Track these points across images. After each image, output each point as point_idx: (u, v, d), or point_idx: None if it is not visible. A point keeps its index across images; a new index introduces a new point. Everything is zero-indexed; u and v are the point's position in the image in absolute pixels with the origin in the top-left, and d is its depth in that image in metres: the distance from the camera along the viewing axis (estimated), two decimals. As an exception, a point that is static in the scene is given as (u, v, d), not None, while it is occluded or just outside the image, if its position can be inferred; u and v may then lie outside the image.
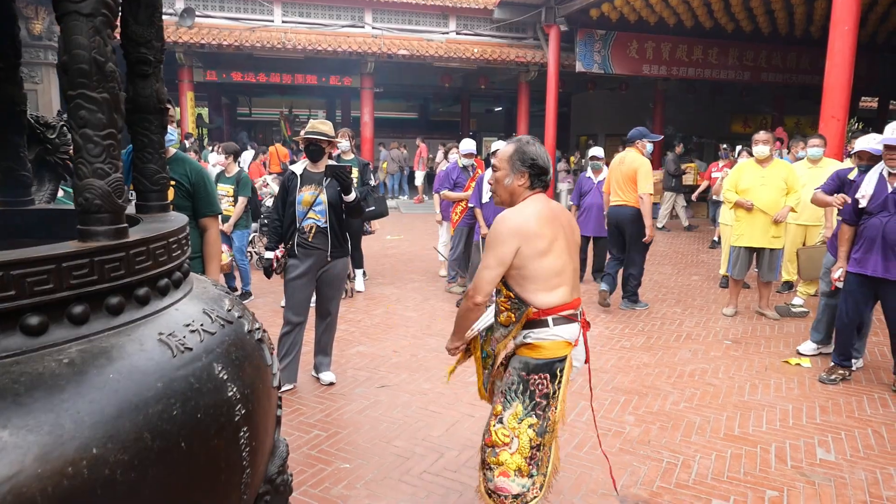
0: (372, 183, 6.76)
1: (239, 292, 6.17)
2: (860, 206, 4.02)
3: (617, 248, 6.16)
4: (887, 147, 3.85)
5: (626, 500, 2.74)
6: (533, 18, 15.26)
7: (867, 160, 4.49)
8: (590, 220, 6.90)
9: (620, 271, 6.16)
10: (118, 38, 1.65)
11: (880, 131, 4.14)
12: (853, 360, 4.31)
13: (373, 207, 6.91)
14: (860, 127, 7.21)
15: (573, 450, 3.17)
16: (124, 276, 1.29)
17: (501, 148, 2.34)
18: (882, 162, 3.98)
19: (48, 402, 1.04)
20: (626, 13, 13.80)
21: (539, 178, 2.24)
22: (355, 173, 6.35)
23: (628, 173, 5.86)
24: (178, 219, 1.67)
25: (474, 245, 5.98)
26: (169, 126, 2.85)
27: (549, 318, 2.15)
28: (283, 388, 3.80)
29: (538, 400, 2.12)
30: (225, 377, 1.39)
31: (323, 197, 3.86)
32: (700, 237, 10.90)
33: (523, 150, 2.24)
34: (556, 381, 2.14)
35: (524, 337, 2.20)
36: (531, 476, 2.09)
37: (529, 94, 16.72)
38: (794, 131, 18.36)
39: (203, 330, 1.42)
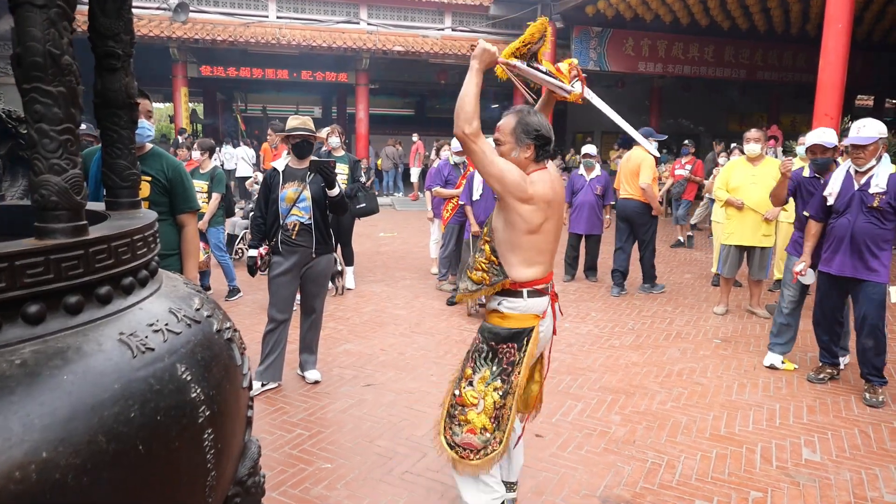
0: (363, 180, 6.73)
1: (211, 291, 6.11)
2: (829, 203, 3.96)
3: (623, 239, 6.55)
4: (854, 146, 3.80)
5: (608, 500, 2.72)
6: (528, 15, 15.20)
7: (820, 153, 4.45)
8: (581, 218, 6.88)
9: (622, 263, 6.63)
10: (85, 30, 1.62)
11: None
12: (840, 358, 4.30)
13: (363, 204, 6.90)
14: (849, 124, 7.18)
15: (557, 450, 3.16)
16: (83, 275, 1.26)
17: (502, 120, 2.31)
18: (849, 160, 3.94)
19: (-5, 404, 1.01)
20: (621, 10, 13.77)
21: (544, 148, 2.27)
22: (345, 170, 6.33)
23: (633, 169, 6.36)
24: (146, 216, 1.64)
25: (465, 243, 5.95)
26: (145, 120, 2.82)
27: (525, 291, 2.26)
28: (267, 387, 3.79)
29: (504, 366, 2.25)
30: (188, 378, 1.36)
31: (307, 193, 3.83)
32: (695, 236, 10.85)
33: (526, 120, 2.25)
34: (522, 350, 2.26)
35: (498, 304, 2.30)
36: (493, 432, 2.24)
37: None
38: (789, 130, 18.39)
39: (167, 329, 1.39)
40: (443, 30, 15.94)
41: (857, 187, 3.84)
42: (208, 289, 6.13)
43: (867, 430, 3.48)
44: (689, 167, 10.06)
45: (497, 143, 2.30)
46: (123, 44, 1.67)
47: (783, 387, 4.10)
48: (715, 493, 2.80)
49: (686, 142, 10.66)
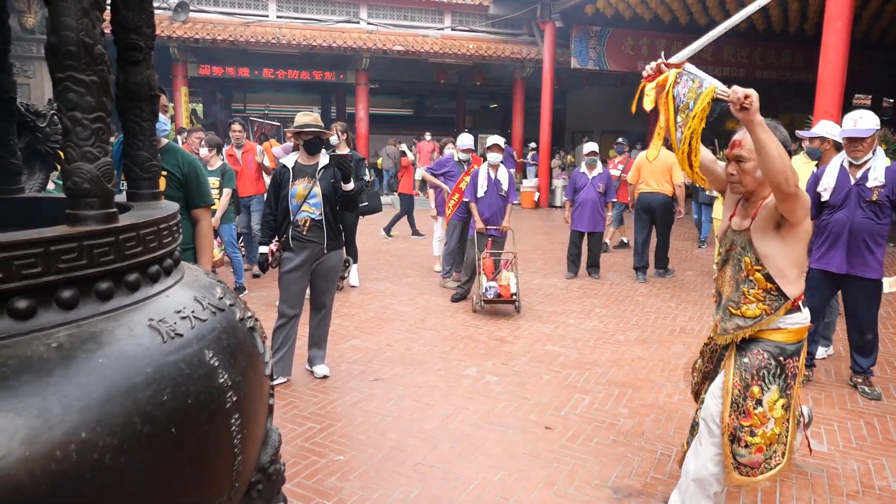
0: (367, 178, 6.76)
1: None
2: (822, 199, 3.87)
3: (643, 231, 7.17)
4: (851, 139, 3.72)
5: (619, 490, 2.75)
6: (528, 14, 15.25)
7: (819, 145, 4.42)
8: (584, 216, 6.91)
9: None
10: (108, 24, 1.64)
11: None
12: (824, 349, 4.32)
13: (366, 203, 6.92)
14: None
15: (567, 441, 3.18)
16: (114, 262, 1.28)
17: (743, 136, 2.19)
18: (843, 152, 3.87)
19: (36, 385, 1.03)
20: (620, 9, 13.81)
21: None
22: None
23: (664, 167, 6.93)
24: (169, 206, 1.66)
25: (469, 240, 5.97)
26: (162, 115, 2.84)
27: (800, 303, 2.26)
28: (276, 381, 3.80)
29: (788, 381, 2.25)
30: (216, 364, 1.38)
31: (317, 189, 3.86)
32: (695, 233, 10.85)
33: (781, 135, 2.21)
34: (801, 361, 2.29)
35: (779, 322, 2.26)
36: (776, 445, 2.26)
37: (525, 90, 16.70)
38: (788, 128, 18.41)
39: (194, 317, 1.41)
40: (442, 29, 15.96)
41: (853, 181, 3.77)
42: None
43: (873, 421, 3.51)
44: (621, 166, 9.32)
45: (739, 159, 2.21)
46: (145, 37, 1.69)
47: (788, 380, 4.12)
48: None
49: (620, 139, 9.96)
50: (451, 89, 21.68)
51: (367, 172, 6.92)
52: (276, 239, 3.92)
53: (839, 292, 4.10)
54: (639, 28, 15.00)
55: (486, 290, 5.40)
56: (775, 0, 13.05)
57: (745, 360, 2.26)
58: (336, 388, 3.81)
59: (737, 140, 2.24)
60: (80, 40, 1.22)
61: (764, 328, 2.25)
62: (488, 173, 5.87)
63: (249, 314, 1.71)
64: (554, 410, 3.54)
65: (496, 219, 5.84)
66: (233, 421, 1.41)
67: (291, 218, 3.84)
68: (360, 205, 6.82)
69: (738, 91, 1.95)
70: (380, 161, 17.24)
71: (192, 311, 1.42)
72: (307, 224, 3.85)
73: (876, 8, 13.48)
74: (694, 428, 2.54)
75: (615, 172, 9.17)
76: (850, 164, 3.81)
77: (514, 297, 5.41)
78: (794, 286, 2.21)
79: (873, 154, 3.76)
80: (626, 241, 9.45)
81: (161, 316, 1.33)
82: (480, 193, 5.82)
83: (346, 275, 6.25)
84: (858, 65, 16.94)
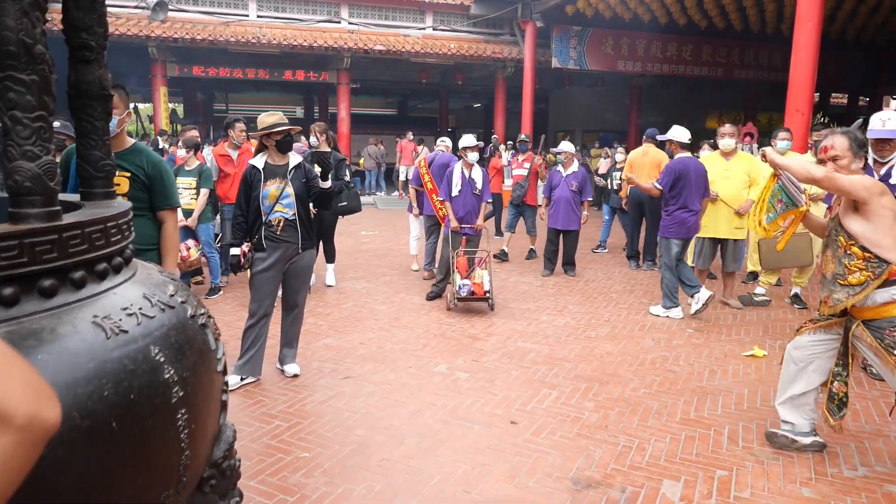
0: (347, 178, 6.78)
1: (203, 285, 6.16)
2: None
3: (635, 224, 7.88)
4: (879, 140, 3.93)
5: (579, 482, 2.81)
6: (509, 14, 15.32)
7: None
8: (559, 214, 6.98)
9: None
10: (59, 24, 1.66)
11: (850, 126, 4.20)
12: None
13: (345, 203, 6.94)
14: (823, 121, 7.36)
15: (531, 436, 3.23)
16: (57, 259, 1.30)
17: (832, 141, 2.83)
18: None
19: (-29, 380, 1.05)
20: (600, 9, 13.92)
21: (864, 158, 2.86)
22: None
23: (653, 163, 7.42)
24: (120, 204, 1.69)
25: (443, 237, 6.02)
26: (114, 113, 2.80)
27: None
28: (246, 381, 3.82)
29: None
30: (162, 359, 1.41)
31: (289, 190, 3.88)
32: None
33: (857, 137, 2.83)
34: None
35: (891, 295, 2.66)
36: None
37: (506, 90, 16.79)
38: (766, 127, 18.70)
39: (141, 314, 1.44)
40: (424, 29, 15.99)
41: (877, 177, 3.96)
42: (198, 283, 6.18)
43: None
44: (527, 165, 8.33)
45: (835, 159, 2.80)
46: (97, 36, 1.71)
47: (752, 373, 4.22)
48: (682, 473, 2.90)
49: (523, 136, 8.97)
50: (434, 89, 21.73)
51: (347, 172, 6.96)
52: (248, 240, 3.93)
53: None
54: (619, 28, 15.13)
55: (460, 288, 5.45)
56: (751, 1, 13.23)
57: (887, 341, 2.68)
58: (306, 387, 3.83)
59: (827, 145, 2.84)
60: (19, 40, 1.24)
61: (880, 302, 2.67)
62: (462, 172, 5.92)
63: (202, 311, 1.74)
64: (521, 405, 3.60)
65: (470, 217, 5.90)
66: (179, 416, 1.44)
67: (264, 219, 3.86)
68: (340, 204, 6.86)
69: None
70: (361, 161, 17.23)
71: (140, 308, 1.44)
72: (281, 224, 3.87)
73: (850, 8, 13.70)
74: (833, 398, 3.01)
75: (521, 172, 8.20)
76: (875, 162, 4.07)
77: (488, 294, 5.47)
78: (892, 253, 2.62)
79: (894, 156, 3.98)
80: (505, 250, 8.23)
81: (107, 313, 1.35)
82: (454, 192, 5.87)
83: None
84: (833, 65, 17.22)
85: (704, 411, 3.60)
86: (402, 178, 16.22)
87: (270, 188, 3.86)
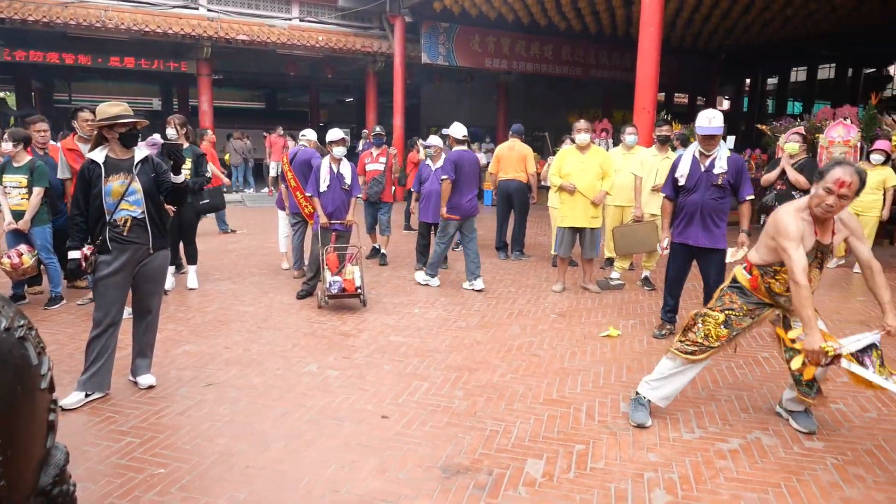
0: (208, 175, 6.40)
1: (27, 300, 5.50)
2: (679, 184, 4.63)
3: (504, 215, 8.17)
4: (706, 136, 4.47)
5: (448, 469, 2.86)
6: (378, 8, 15.23)
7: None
8: (429, 207, 7.06)
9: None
10: None
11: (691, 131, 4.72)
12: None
13: (207, 200, 6.55)
14: (666, 118, 8.08)
15: (402, 428, 3.25)
16: None
17: (849, 178, 2.83)
18: (695, 143, 4.63)
19: None
20: (467, 7, 14.25)
21: None
22: (188, 164, 5.97)
23: (519, 157, 7.93)
24: None
25: (314, 235, 5.87)
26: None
27: None
28: (92, 397, 3.49)
29: None
30: (-38, 378, 1.25)
31: (136, 186, 3.59)
32: (537, 221, 11.47)
33: (864, 179, 2.89)
34: None
35: None
36: None
37: (378, 84, 16.70)
38: (620, 123, 20.17)
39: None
40: (290, 20, 15.47)
41: (703, 169, 4.53)
42: (22, 298, 5.48)
43: (674, 382, 3.96)
44: (382, 160, 7.80)
45: (843, 197, 2.86)
46: None
47: (608, 351, 4.54)
48: (545, 451, 3.05)
49: (377, 128, 8.20)
50: (304, 82, 21.13)
51: (207, 168, 6.56)
52: (90, 242, 3.58)
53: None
54: (485, 26, 15.59)
55: (331, 285, 5.35)
56: (603, 6, 14.19)
57: None
58: (163, 398, 3.57)
59: (846, 182, 2.84)
60: None
61: None
62: (330, 167, 5.80)
63: (21, 323, 1.56)
64: (392, 399, 3.61)
65: (340, 213, 5.80)
66: (-11, 440, 1.28)
67: (108, 218, 3.54)
68: (202, 202, 6.46)
69: None
70: (227, 156, 16.37)
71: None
72: (128, 223, 3.57)
73: (687, 17, 15.10)
74: (798, 381, 3.24)
75: (377, 167, 7.68)
76: (701, 154, 4.55)
77: (360, 290, 5.42)
78: None
79: (718, 146, 4.52)
80: (379, 247, 7.87)
81: None
82: (323, 188, 5.74)
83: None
84: (676, 67, 18.96)
85: (566, 391, 3.81)
86: (272, 173, 15.62)
87: (114, 184, 3.54)
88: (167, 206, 5.79)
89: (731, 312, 3.25)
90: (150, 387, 3.70)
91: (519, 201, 8.00)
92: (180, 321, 5.06)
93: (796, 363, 3.03)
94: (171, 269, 6.25)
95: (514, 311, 5.55)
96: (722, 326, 3.24)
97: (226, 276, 6.73)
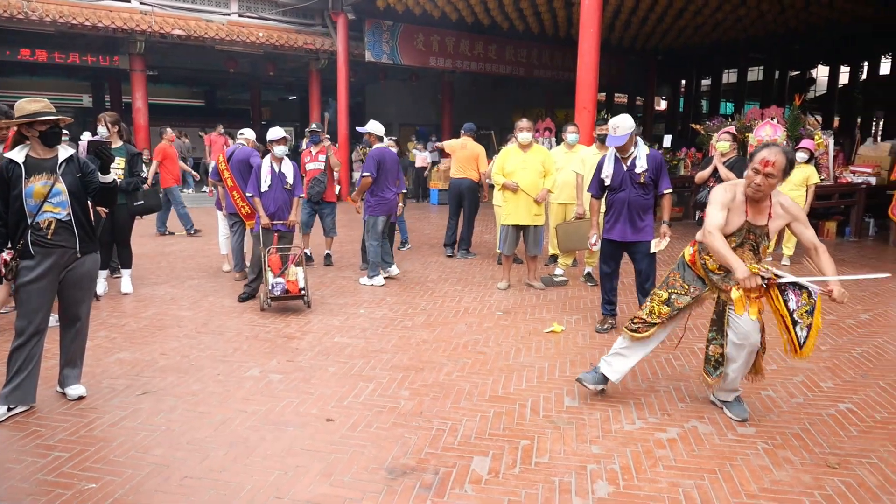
0: (144, 174, 6.15)
1: None
2: (606, 183, 4.85)
3: (455, 212, 8.20)
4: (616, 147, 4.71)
5: (394, 470, 2.84)
6: (320, 5, 15.00)
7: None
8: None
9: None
10: None
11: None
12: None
13: (142, 202, 6.29)
14: (606, 117, 8.28)
15: (347, 431, 3.21)
16: None
17: (774, 157, 3.02)
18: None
19: None
20: (410, 5, 14.20)
21: None
22: (121, 164, 5.73)
23: (471, 156, 8.05)
24: None
25: (255, 236, 5.73)
26: None
27: None
28: (15, 411, 3.30)
29: None
30: None
31: (60, 186, 3.40)
32: (483, 219, 11.53)
33: (793, 160, 3.11)
34: None
35: None
36: None
37: (322, 82, 16.46)
38: (563, 122, 20.56)
39: None
40: (229, 15, 15.04)
41: (625, 168, 4.75)
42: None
43: (615, 375, 4.06)
44: (322, 158, 7.37)
45: (769, 176, 3.04)
46: None
47: (552, 347, 4.61)
48: (490, 447, 3.07)
49: (313, 126, 7.60)
50: (245, 79, 20.61)
51: (144, 168, 6.30)
52: (10, 246, 3.38)
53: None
54: (429, 25, 15.57)
55: (273, 287, 5.23)
56: (545, 7, 14.42)
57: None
58: (94, 409, 3.41)
59: (770, 161, 3.03)
60: None
61: None
62: (272, 166, 5.67)
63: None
64: (337, 401, 3.56)
65: (282, 213, 5.68)
66: None
67: (30, 221, 3.34)
68: (136, 203, 6.20)
69: (840, 298, 3.02)
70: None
71: None
72: (52, 226, 3.38)
73: (625, 19, 15.52)
74: (709, 360, 3.45)
75: (317, 166, 7.28)
76: (622, 157, 4.77)
77: (303, 291, 5.32)
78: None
79: (636, 146, 4.73)
80: (331, 253, 7.67)
81: None
82: (264, 188, 5.61)
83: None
84: (615, 69, 19.48)
85: (511, 387, 3.85)
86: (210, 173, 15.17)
87: (36, 185, 3.35)
88: (99, 208, 5.58)
89: (672, 291, 3.47)
90: (80, 398, 3.53)
91: (469, 200, 8.11)
92: (113, 328, 4.84)
93: (735, 294, 3.24)
94: (105, 273, 5.99)
95: (460, 310, 5.58)
96: (664, 304, 3.45)
97: (163, 280, 6.49)
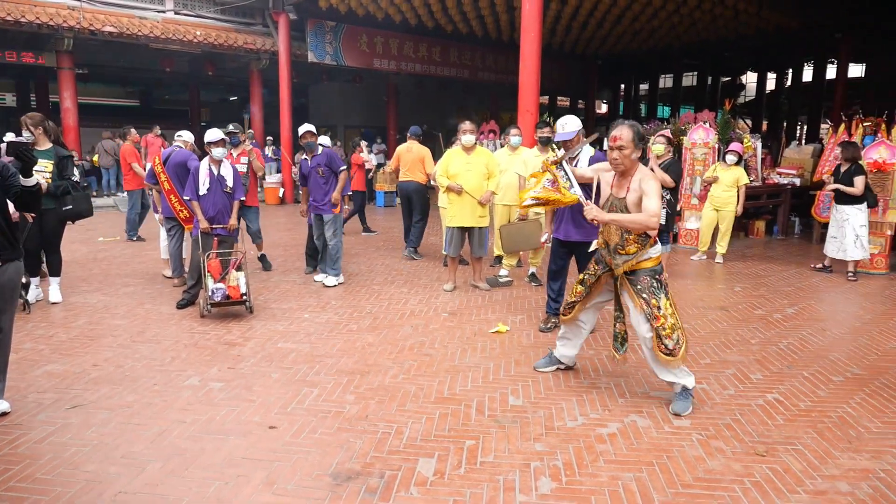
0: (75, 178, 5.87)
1: None
2: None
3: (408, 214, 8.36)
4: (562, 141, 4.86)
5: (339, 475, 2.82)
6: (261, 4, 14.70)
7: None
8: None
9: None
10: None
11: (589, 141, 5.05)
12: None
13: (70, 206, 6.00)
14: (548, 120, 8.44)
15: (290, 438, 3.16)
16: None
17: (619, 131, 3.39)
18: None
19: None
20: (353, 6, 14.09)
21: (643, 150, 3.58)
22: (49, 167, 5.45)
23: (416, 158, 8.25)
24: None
25: (193, 240, 5.56)
26: None
27: (657, 241, 3.59)
28: (-70, 429, 3.09)
29: (666, 289, 3.54)
30: None
31: None
32: (429, 221, 11.54)
33: (640, 130, 3.44)
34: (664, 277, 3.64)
35: (648, 255, 3.50)
36: (680, 328, 3.53)
37: (263, 83, 16.13)
38: (507, 125, 20.86)
39: None
40: (164, 12, 14.54)
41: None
42: None
43: (558, 374, 4.15)
44: (245, 160, 7.09)
45: (620, 148, 3.41)
46: None
47: (497, 347, 4.67)
48: (436, 449, 3.09)
49: (231, 126, 7.16)
50: (183, 79, 19.97)
51: (75, 171, 6.01)
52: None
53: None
54: (373, 26, 15.48)
55: (214, 292, 5.09)
56: (488, 10, 14.59)
57: (638, 286, 3.51)
58: (18, 425, 3.23)
59: (616, 135, 3.41)
60: None
61: (640, 260, 3.50)
62: (210, 169, 5.52)
63: None
64: (280, 408, 3.49)
65: (222, 217, 5.54)
66: None
67: (-54, 227, 3.15)
68: (65, 208, 5.90)
69: (589, 214, 3.52)
70: (96, 158, 15.14)
71: None
72: (-31, 233, 3.19)
73: (565, 24, 15.87)
74: (616, 337, 3.81)
75: (239, 168, 6.79)
76: (569, 158, 4.81)
77: (245, 297, 5.20)
78: (653, 231, 3.45)
79: (581, 147, 4.80)
80: (265, 255, 7.48)
81: None
82: (202, 191, 5.45)
83: (25, 297, 5.34)
84: (558, 72, 19.90)
85: (456, 388, 3.88)
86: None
87: (-49, 189, 3.16)
88: (25, 213, 5.29)
89: (587, 272, 3.88)
90: (3, 414, 3.34)
91: (418, 202, 8.21)
92: (40, 339, 4.61)
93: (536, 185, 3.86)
94: (36, 279, 5.70)
95: (405, 312, 5.57)
96: (579, 284, 3.89)
97: (95, 288, 6.21)
